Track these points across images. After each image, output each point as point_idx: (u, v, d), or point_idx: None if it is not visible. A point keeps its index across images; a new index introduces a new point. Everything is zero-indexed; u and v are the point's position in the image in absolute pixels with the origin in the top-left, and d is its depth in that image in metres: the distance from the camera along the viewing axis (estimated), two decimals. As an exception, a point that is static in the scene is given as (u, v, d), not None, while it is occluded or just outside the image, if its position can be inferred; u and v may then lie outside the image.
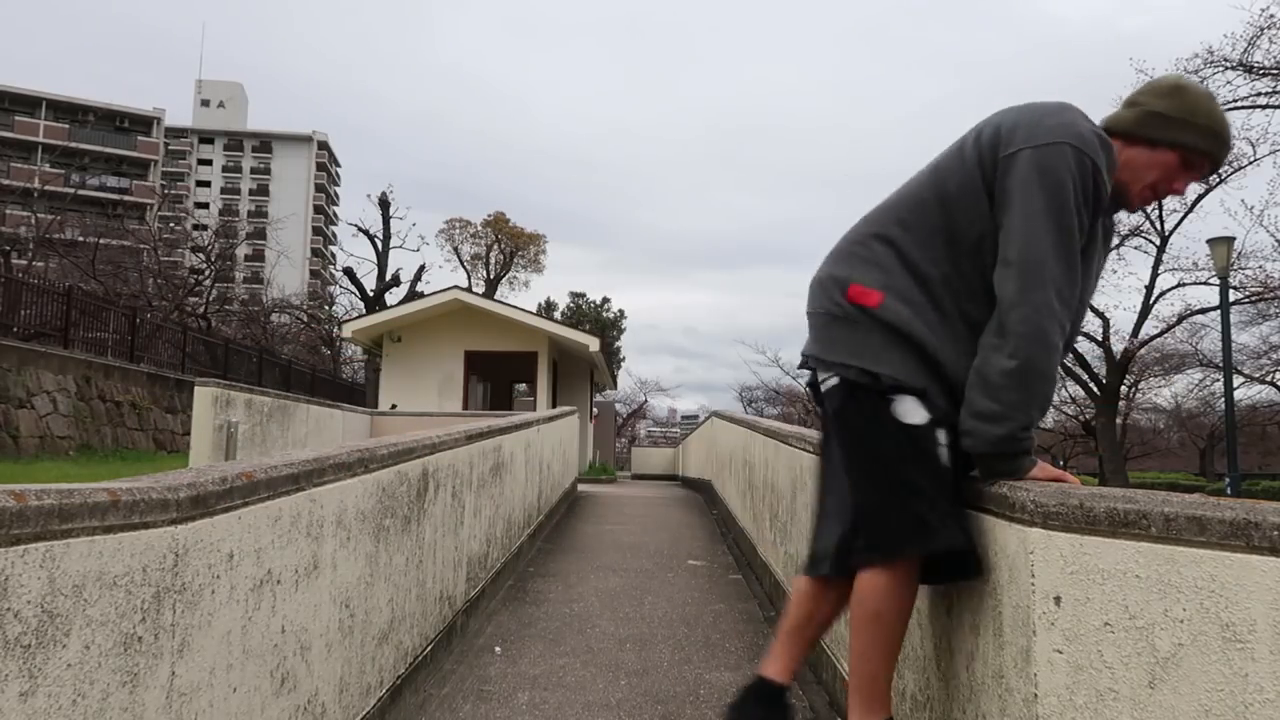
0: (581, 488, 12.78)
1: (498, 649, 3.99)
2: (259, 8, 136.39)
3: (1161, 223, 18.78)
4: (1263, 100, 15.88)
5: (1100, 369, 20.56)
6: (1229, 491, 14.00)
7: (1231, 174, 17.25)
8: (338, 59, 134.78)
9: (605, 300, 47.54)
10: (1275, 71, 15.23)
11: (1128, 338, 19.78)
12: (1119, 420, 26.47)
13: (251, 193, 78.14)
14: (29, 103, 56.81)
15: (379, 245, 30.53)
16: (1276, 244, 17.58)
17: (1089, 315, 20.18)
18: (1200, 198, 17.98)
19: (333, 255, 75.03)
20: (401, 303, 22.81)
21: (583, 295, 47.66)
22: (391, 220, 30.69)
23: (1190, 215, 18.33)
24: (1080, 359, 20.99)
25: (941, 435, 1.82)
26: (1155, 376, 28.96)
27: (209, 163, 78.91)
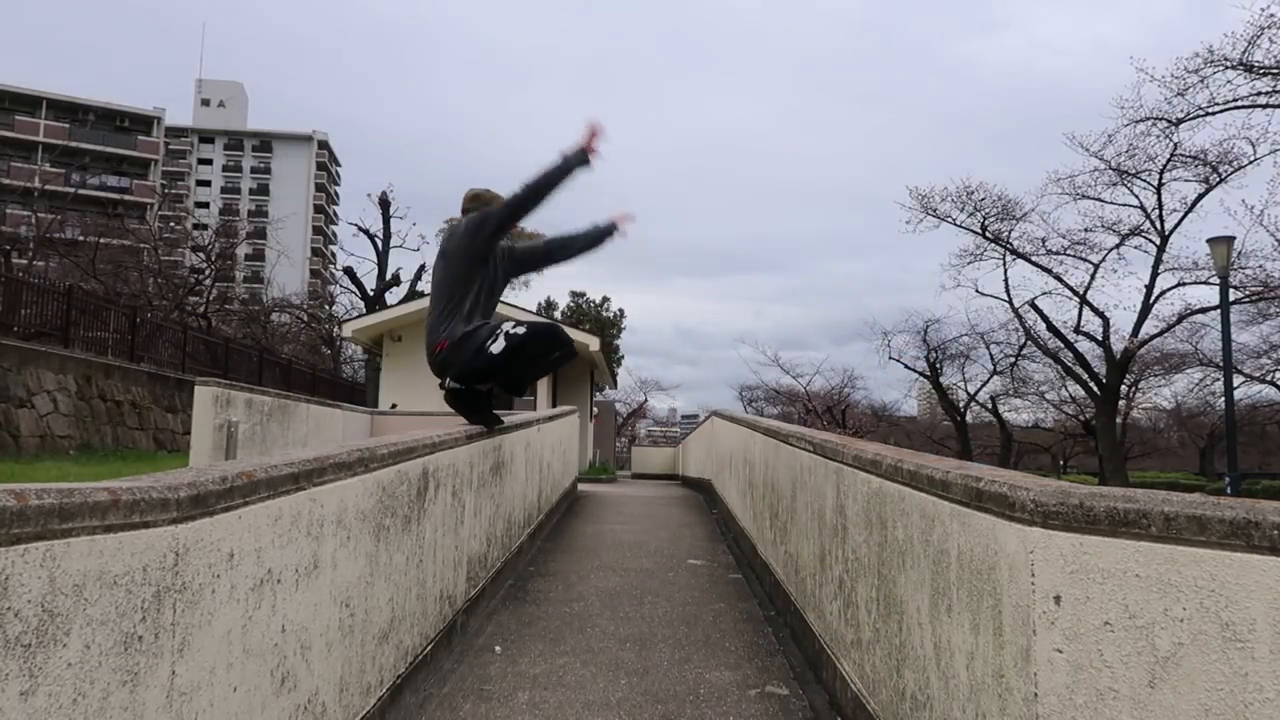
0: (582, 487, 12.78)
1: (498, 648, 3.99)
2: (259, 8, 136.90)
3: (1162, 222, 18.77)
4: (1263, 100, 15.88)
5: (1100, 368, 20.56)
6: (1229, 491, 13.99)
7: (1232, 174, 17.25)
8: (336, 71, 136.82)
9: (605, 300, 47.54)
10: (1275, 71, 15.22)
11: (1128, 337, 19.78)
12: (1119, 420, 26.48)
13: (252, 192, 78.13)
14: (29, 102, 56.73)
15: (379, 245, 30.47)
16: (1276, 244, 17.57)
17: (1089, 314, 20.25)
18: (1200, 197, 17.99)
19: (333, 255, 75.01)
20: (402, 302, 22.80)
21: (583, 295, 47.64)
22: (392, 220, 30.63)
23: (1190, 215, 18.33)
24: (1080, 358, 21.01)
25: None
26: (1155, 376, 28.98)
27: (209, 162, 78.88)
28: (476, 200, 4.27)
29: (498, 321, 4.12)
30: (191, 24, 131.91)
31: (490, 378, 4.19)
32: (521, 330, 3.99)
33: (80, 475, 8.81)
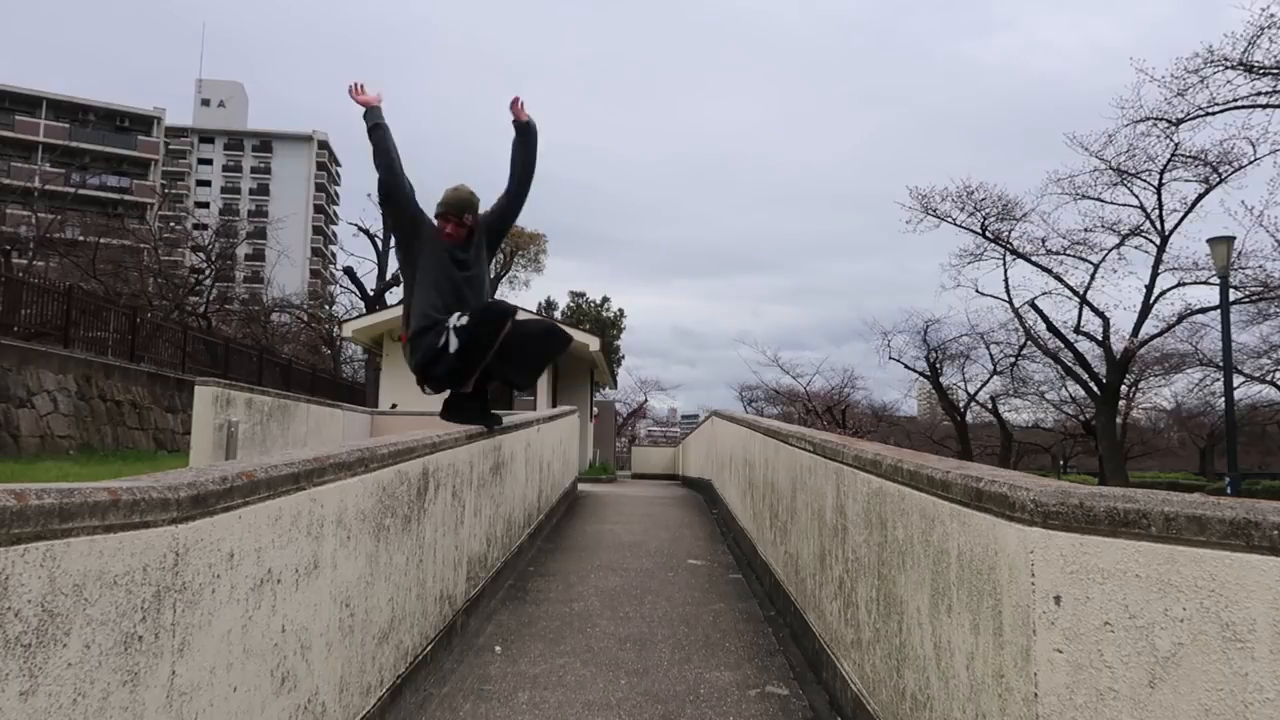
0: (582, 487, 12.78)
1: (498, 648, 3.99)
2: (259, 8, 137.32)
3: (1162, 222, 18.76)
4: (1263, 100, 15.87)
5: (1100, 368, 20.55)
6: (1229, 491, 13.99)
7: (1232, 174, 17.25)
8: (336, 71, 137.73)
9: (605, 300, 47.48)
10: (1275, 71, 15.22)
11: (1128, 337, 19.78)
12: (1119, 420, 26.47)
13: (252, 192, 78.09)
14: (29, 102, 56.72)
15: (379, 244, 30.51)
16: (1276, 244, 17.57)
17: (1089, 314, 20.26)
18: (1200, 197, 17.98)
19: (333, 255, 75.00)
20: (402, 302, 22.81)
21: (583, 295, 47.59)
22: (392, 220, 30.63)
23: (1190, 215, 18.32)
24: (1080, 358, 21.00)
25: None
26: (1155, 376, 28.98)
27: (209, 162, 78.85)
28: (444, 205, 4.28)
29: (445, 319, 3.99)
30: (191, 24, 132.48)
31: (463, 375, 4.14)
32: (465, 320, 3.92)
33: (80, 475, 8.80)
